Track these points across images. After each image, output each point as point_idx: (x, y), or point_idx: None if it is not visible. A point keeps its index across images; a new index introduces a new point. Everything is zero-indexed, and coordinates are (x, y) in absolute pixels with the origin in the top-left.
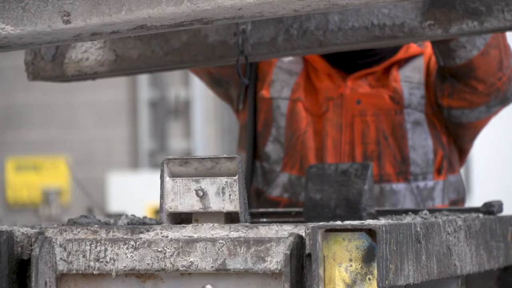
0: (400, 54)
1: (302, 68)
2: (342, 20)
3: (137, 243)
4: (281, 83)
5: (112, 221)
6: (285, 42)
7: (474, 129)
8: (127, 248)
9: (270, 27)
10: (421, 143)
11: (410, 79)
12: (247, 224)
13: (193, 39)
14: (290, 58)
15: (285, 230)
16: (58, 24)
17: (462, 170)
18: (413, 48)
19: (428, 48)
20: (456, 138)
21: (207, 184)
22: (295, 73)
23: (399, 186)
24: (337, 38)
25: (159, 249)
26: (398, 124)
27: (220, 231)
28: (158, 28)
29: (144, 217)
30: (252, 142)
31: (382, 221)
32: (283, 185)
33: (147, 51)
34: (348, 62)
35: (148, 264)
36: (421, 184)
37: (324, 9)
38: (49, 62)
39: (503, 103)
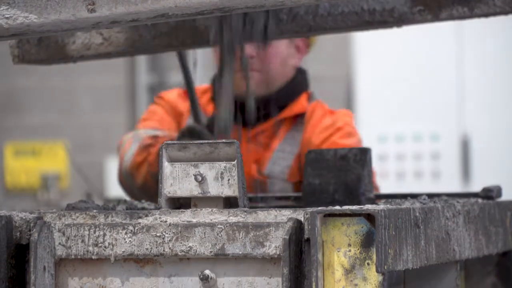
0: (285, 113)
1: None
2: (332, 5)
3: (136, 228)
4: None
5: (110, 206)
6: (275, 26)
7: None
8: (126, 233)
9: (259, 11)
10: None
11: (283, 148)
12: (246, 209)
13: (181, 23)
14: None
15: (284, 215)
16: (83, 13)
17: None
18: (298, 106)
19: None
20: None
21: (205, 169)
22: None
23: None
24: (327, 23)
25: (157, 234)
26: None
27: (219, 216)
28: (178, 16)
29: (143, 202)
30: None
31: (381, 206)
32: None
33: (134, 35)
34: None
35: (146, 249)
36: None
37: None
38: (35, 46)
39: None
